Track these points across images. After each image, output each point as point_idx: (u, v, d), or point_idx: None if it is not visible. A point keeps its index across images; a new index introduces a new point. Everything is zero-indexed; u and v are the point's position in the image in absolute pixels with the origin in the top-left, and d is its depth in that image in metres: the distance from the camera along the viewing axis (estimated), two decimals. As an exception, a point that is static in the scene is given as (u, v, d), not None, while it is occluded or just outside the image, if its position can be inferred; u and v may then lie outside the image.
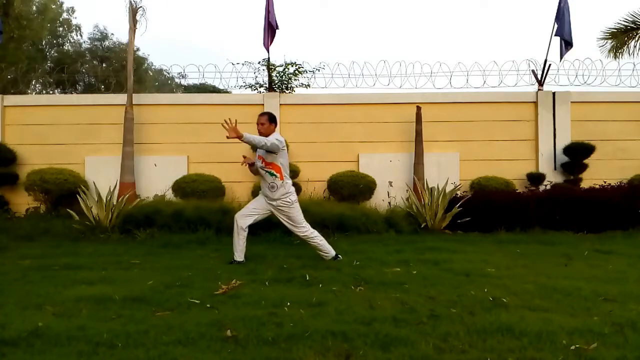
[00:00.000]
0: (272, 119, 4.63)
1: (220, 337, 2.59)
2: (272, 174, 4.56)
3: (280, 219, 4.76)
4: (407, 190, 8.09)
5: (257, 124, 4.61)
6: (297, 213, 4.70)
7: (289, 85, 10.61)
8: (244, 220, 4.68)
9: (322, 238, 4.81)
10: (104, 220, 6.69)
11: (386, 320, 2.86)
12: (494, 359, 2.30)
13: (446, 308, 3.11)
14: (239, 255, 4.74)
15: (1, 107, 8.67)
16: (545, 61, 8.79)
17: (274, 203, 4.65)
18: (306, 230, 4.73)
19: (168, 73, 24.30)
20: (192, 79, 31.37)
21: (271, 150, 4.43)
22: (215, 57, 37.84)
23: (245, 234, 4.72)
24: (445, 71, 8.98)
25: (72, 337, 2.57)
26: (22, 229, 6.71)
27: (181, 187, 7.96)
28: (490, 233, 6.71)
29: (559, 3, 8.66)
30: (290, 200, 4.63)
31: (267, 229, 6.08)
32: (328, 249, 4.80)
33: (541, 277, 4.06)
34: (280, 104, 8.72)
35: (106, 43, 22.43)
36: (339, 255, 4.85)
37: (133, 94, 8.38)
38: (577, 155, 8.36)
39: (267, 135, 4.52)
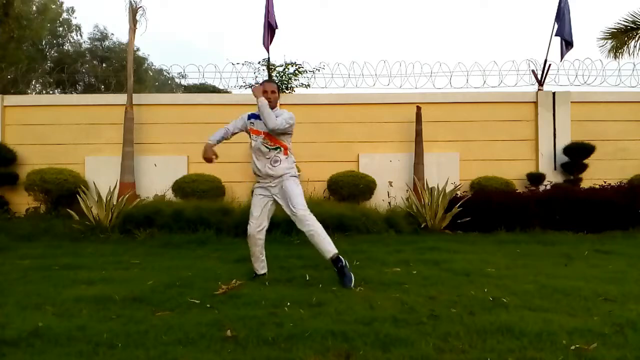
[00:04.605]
0: (279, 88, 4.18)
1: (220, 337, 2.59)
2: (275, 148, 3.99)
3: (283, 205, 3.97)
4: (407, 190, 8.09)
5: (266, 92, 3.95)
6: (301, 191, 3.99)
7: (289, 85, 10.64)
8: (261, 233, 4.07)
9: (323, 230, 3.93)
10: (104, 220, 6.70)
11: (386, 320, 2.85)
12: (494, 359, 2.29)
13: (446, 308, 3.11)
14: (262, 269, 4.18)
15: (1, 107, 8.67)
16: (545, 61, 8.80)
17: (274, 182, 3.97)
18: (308, 212, 3.89)
19: (168, 73, 24.23)
20: (192, 79, 31.27)
21: (280, 133, 3.96)
22: (215, 57, 37.89)
23: (263, 242, 4.12)
24: (445, 71, 8.99)
25: (72, 337, 2.57)
26: (22, 229, 6.71)
27: (181, 187, 7.96)
28: (490, 233, 6.71)
29: (559, 3, 8.65)
30: (295, 174, 4.08)
31: (267, 229, 6.04)
32: (327, 247, 3.89)
33: (541, 277, 4.05)
34: (280, 104, 8.68)
35: (106, 43, 22.43)
36: (343, 260, 3.89)
37: (133, 94, 8.38)
38: (577, 155, 8.36)
39: (274, 106, 4.03)
